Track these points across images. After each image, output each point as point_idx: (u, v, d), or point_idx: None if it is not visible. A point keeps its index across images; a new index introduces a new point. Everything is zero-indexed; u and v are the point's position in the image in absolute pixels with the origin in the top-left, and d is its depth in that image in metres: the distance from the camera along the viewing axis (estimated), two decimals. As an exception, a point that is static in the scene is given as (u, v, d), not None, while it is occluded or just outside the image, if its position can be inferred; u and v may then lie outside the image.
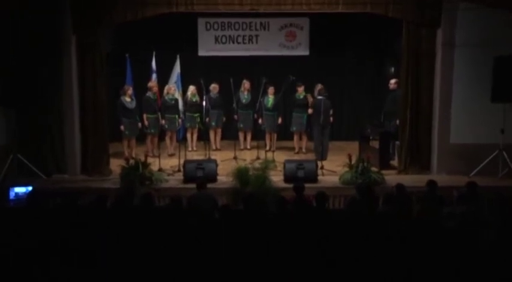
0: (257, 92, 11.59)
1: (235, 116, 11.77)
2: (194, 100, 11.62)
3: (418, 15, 9.86)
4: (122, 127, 10.90)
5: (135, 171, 9.25)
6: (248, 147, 12.07)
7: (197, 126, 11.62)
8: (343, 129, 13.32)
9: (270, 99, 11.61)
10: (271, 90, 11.60)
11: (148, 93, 11.28)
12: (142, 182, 9.16)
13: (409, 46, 10.01)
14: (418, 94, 10.14)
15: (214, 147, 11.92)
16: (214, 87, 11.80)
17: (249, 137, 12.10)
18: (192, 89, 11.61)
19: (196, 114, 11.59)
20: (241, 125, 11.92)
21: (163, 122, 11.35)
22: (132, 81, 11.60)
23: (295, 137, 11.74)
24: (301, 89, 11.50)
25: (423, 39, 9.99)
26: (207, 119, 11.60)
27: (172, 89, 11.46)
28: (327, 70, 12.94)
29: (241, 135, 12.09)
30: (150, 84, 11.38)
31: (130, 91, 11.00)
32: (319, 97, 10.96)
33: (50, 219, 6.13)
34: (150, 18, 10.07)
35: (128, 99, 10.95)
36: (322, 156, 10.53)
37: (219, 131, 12.06)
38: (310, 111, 11.17)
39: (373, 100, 12.94)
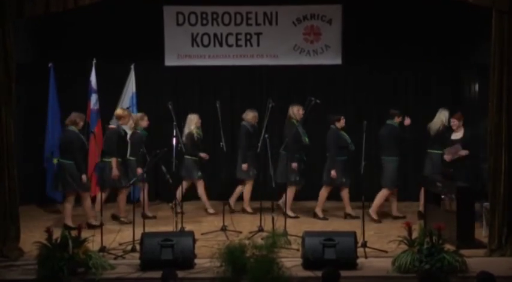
0: (258, 123, 11.73)
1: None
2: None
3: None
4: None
5: (62, 252, 9.16)
6: (248, 209, 12.16)
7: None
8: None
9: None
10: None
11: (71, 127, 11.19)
12: (73, 270, 9.07)
13: (502, 51, 10.00)
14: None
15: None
16: (192, 119, 11.91)
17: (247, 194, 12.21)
18: (138, 117, 11.68)
19: None
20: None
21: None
22: (60, 107, 11.76)
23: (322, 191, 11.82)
24: (342, 122, 11.66)
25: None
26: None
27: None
28: (370, 88, 13.04)
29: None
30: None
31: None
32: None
33: None
34: (88, 9, 10.19)
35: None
36: None
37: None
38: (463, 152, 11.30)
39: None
